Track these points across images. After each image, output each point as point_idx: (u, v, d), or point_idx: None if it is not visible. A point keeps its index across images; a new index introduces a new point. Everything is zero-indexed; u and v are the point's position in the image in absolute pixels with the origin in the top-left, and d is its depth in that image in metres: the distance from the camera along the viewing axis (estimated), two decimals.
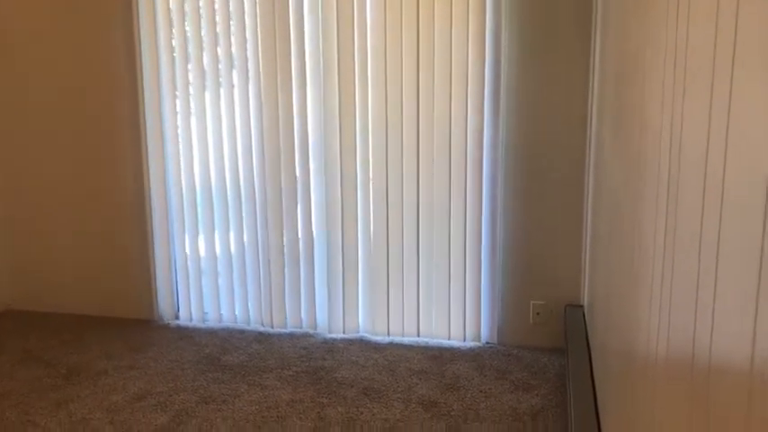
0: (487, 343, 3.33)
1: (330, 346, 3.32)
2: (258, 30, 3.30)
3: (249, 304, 3.58)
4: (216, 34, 3.36)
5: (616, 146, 2.05)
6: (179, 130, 3.50)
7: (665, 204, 1.17)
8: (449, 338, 3.36)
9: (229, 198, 3.50)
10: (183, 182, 3.54)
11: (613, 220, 2.04)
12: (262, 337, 3.44)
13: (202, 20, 3.36)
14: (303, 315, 3.52)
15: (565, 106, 3.09)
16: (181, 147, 3.51)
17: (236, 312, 3.61)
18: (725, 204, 0.78)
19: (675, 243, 1.06)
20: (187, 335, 3.50)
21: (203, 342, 3.40)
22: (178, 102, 3.47)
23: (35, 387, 2.92)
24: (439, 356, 3.19)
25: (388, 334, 3.42)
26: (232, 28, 3.33)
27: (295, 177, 3.39)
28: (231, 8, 3.31)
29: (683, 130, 1.04)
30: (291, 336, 3.46)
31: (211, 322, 3.64)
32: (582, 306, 3.21)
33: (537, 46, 3.08)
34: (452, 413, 2.66)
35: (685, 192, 1.00)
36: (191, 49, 3.40)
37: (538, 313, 3.28)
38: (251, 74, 3.35)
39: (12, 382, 2.97)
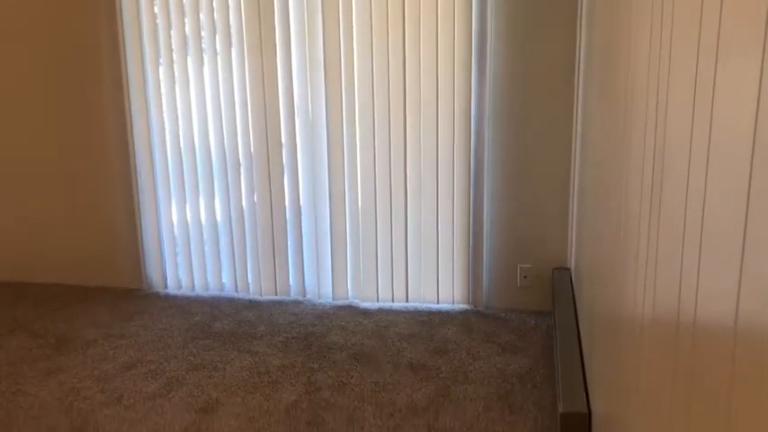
0: (475, 306, 3.36)
1: (319, 313, 3.34)
2: None
3: (237, 272, 3.58)
4: (198, 0, 3.30)
5: (602, 106, 2.04)
6: (163, 98, 3.45)
7: (651, 167, 1.17)
8: (437, 303, 3.39)
9: (215, 165, 3.47)
10: (169, 150, 3.51)
11: (600, 183, 2.05)
12: (251, 305, 3.45)
13: None
14: (292, 282, 3.53)
15: (551, 72, 3.07)
16: (165, 114, 3.47)
17: (225, 280, 3.61)
18: (710, 166, 0.78)
19: (662, 205, 1.07)
20: (176, 303, 3.50)
21: (193, 310, 3.40)
22: (161, 69, 3.42)
23: (25, 357, 2.93)
24: (427, 321, 3.21)
25: (377, 299, 3.44)
26: None
27: (281, 143, 3.37)
28: None
29: (669, 89, 1.03)
30: (281, 303, 3.48)
31: (200, 290, 3.65)
32: (569, 269, 3.24)
33: (523, 10, 3.04)
34: (441, 375, 2.69)
35: (671, 154, 1.00)
36: (173, 15, 3.34)
37: (525, 276, 3.30)
38: (234, 39, 3.30)
39: (1, 352, 2.97)
